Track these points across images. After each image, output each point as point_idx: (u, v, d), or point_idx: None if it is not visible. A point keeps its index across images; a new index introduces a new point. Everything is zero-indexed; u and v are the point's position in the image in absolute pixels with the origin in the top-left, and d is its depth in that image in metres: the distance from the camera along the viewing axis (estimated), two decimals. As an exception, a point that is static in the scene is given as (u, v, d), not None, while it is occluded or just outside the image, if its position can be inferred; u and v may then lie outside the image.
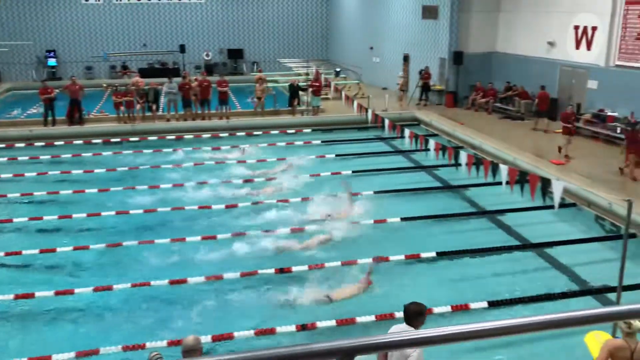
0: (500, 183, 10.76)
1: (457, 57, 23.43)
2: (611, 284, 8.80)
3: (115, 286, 9.46)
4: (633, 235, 10.76)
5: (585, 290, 9.53)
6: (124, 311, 9.02)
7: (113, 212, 12.79)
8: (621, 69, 18.13)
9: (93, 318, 8.90)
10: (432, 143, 13.48)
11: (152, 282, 9.60)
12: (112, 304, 9.19)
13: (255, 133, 20.12)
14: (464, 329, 1.52)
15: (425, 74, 24.04)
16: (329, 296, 9.22)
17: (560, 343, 7.82)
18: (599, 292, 9.34)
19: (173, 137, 19.62)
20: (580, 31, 19.60)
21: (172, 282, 9.64)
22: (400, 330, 5.29)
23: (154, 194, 14.06)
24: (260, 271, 9.98)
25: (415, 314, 5.20)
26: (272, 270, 10.02)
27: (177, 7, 34.06)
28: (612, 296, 8.89)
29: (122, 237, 11.50)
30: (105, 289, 9.42)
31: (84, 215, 12.69)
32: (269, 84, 23.71)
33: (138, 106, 20.86)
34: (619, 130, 17.03)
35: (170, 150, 18.06)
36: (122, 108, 20.64)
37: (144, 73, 28.64)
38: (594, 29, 18.99)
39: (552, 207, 9.85)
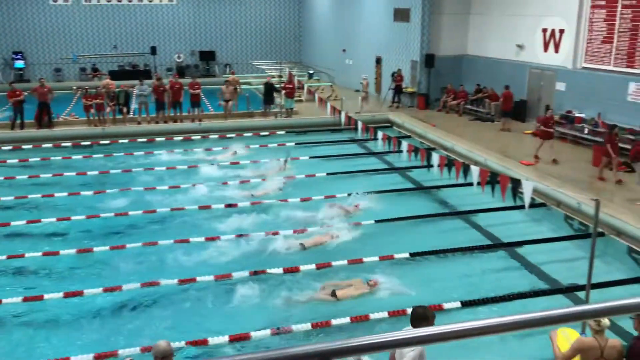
0: (471, 184, 10.88)
1: (429, 60, 23.66)
2: (581, 282, 8.97)
3: (86, 291, 9.32)
4: (601, 234, 11.00)
5: (556, 289, 9.69)
6: (96, 317, 8.88)
7: (83, 216, 12.59)
8: (588, 71, 18.52)
9: (63, 325, 8.74)
10: (404, 145, 13.57)
11: (124, 286, 9.48)
12: (83, 310, 9.04)
13: (228, 135, 20.02)
14: (439, 330, 1.53)
15: (397, 77, 24.22)
16: (336, 294, 9.28)
17: (531, 341, 7.94)
18: (569, 291, 9.52)
19: (144, 139, 19.41)
20: (548, 34, 19.97)
21: (143, 285, 9.52)
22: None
23: (125, 197, 13.89)
24: (234, 274, 9.93)
25: (419, 318, 5.17)
26: (247, 273, 9.97)
27: (148, 8, 33.73)
28: (582, 294, 9.06)
29: (93, 242, 11.33)
30: (75, 294, 9.27)
31: (54, 219, 12.47)
32: (243, 86, 23.62)
33: (108, 109, 20.59)
34: (586, 131, 17.38)
35: (142, 153, 17.85)
36: (92, 111, 20.34)
37: (115, 75, 28.30)
38: (562, 32, 19.37)
39: (522, 207, 10.00)
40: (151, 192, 14.32)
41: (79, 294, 9.29)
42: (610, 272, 10.06)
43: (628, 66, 17.17)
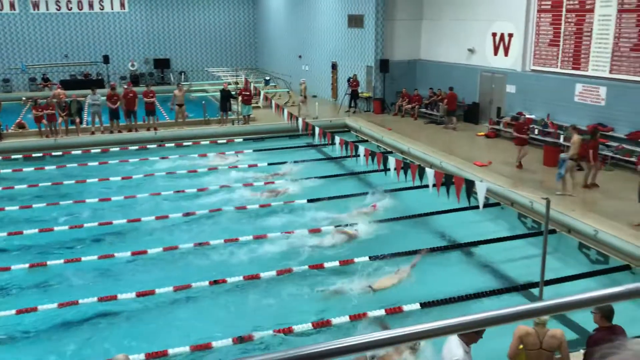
0: (427, 186, 11.07)
1: (383, 65, 23.96)
2: (535, 279, 9.21)
3: (40, 307, 9.08)
4: (553, 231, 11.34)
5: (511, 288, 9.93)
6: (50, 333, 8.66)
7: (36, 230, 12.28)
8: (536, 74, 19.08)
9: (18, 341, 8.49)
10: (361, 149, 13.70)
11: (80, 301, 9.28)
12: (37, 326, 8.80)
13: (184, 144, 19.82)
14: (403, 331, 1.55)
15: (353, 82, 24.44)
16: (371, 286, 9.57)
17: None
18: (523, 289, 9.76)
19: (98, 150, 19.04)
20: (497, 38, 20.50)
21: (100, 299, 9.34)
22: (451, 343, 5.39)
23: (80, 209, 13.61)
24: (194, 284, 9.84)
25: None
26: (207, 283, 9.89)
27: (100, 16, 33.12)
28: (536, 291, 9.31)
29: (46, 256, 11.06)
30: (29, 310, 9.02)
31: (4, 234, 12.11)
32: (198, 94, 23.42)
33: (60, 119, 20.10)
34: (537, 132, 17.88)
35: (96, 163, 17.50)
36: (43, 122, 19.84)
37: (67, 85, 27.70)
38: (510, 35, 19.91)
39: (477, 207, 10.23)
40: (106, 203, 14.06)
41: (33, 310, 9.05)
42: (562, 268, 10.37)
43: (574, 68, 17.77)
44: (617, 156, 15.43)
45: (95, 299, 9.34)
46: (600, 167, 15.26)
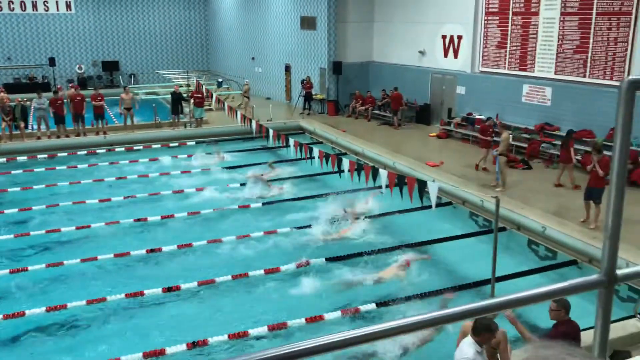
0: (380, 187, 11.15)
1: (336, 67, 24.08)
2: (487, 276, 9.38)
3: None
4: (503, 229, 11.60)
5: (464, 285, 10.09)
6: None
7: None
8: (485, 75, 19.53)
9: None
10: (316, 151, 13.71)
11: (27, 312, 8.96)
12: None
13: (135, 147, 19.41)
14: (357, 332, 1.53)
15: (306, 84, 24.47)
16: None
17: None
18: (476, 286, 9.93)
19: (45, 155, 18.45)
20: (447, 40, 20.89)
21: (49, 309, 9.03)
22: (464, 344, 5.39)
23: (26, 217, 13.15)
24: (146, 291, 9.64)
25: (481, 329, 5.34)
26: (159, 290, 9.71)
27: (45, 18, 32.14)
28: (488, 288, 9.49)
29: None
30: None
31: (-55, 245, 11.60)
32: (147, 97, 22.99)
33: (4, 124, 19.38)
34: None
35: (42, 169, 16.95)
36: (-15, 127, 19.12)
37: (10, 88, 26.76)
38: (460, 38, 20.32)
39: (429, 207, 10.36)
40: (54, 209, 13.63)
41: (21, 314, 8.72)
42: (513, 265, 10.61)
43: (521, 69, 18.27)
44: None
45: (44, 309, 9.04)
46: (547, 165, 15.75)
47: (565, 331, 6.14)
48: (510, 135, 14.06)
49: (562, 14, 16.76)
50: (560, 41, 16.90)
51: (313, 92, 24.76)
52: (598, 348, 1.69)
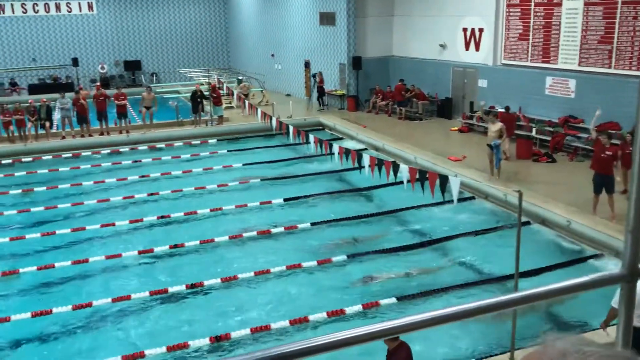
0: (402, 182, 11.10)
1: (356, 62, 24.00)
2: (510, 271, 9.28)
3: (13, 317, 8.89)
4: (527, 223, 11.47)
5: (486, 280, 10.01)
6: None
7: (7, 239, 12.03)
8: (507, 68, 19.29)
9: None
10: (336, 147, 13.69)
11: (54, 309, 9.11)
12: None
13: (157, 146, 19.60)
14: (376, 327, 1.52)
15: (319, 79, 24.52)
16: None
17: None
18: (499, 281, 9.84)
19: (69, 154, 18.73)
20: (468, 33, 20.67)
21: (34, 315, 9.02)
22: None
23: (52, 215, 13.38)
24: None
25: None
26: (182, 286, 9.80)
27: (67, 19, 32.57)
28: (511, 283, 9.39)
29: (18, 264, 10.85)
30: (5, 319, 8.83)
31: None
32: (170, 95, 23.16)
33: (30, 124, 19.72)
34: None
35: (67, 168, 17.20)
36: (11, 127, 19.46)
37: (35, 89, 27.21)
38: (481, 30, 20.10)
39: (451, 201, 10.28)
40: (80, 207, 13.84)
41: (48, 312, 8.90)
42: (537, 260, 10.47)
43: (544, 61, 18.01)
44: (588, 147, 15.65)
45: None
46: (571, 158, 15.52)
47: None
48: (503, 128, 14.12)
49: (585, 4, 16.47)
50: (584, 32, 16.62)
51: (333, 88, 24.73)
52: (621, 342, 1.66)
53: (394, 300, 9.17)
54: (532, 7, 18.19)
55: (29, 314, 8.94)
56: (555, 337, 0.95)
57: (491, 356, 7.59)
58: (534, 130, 17.34)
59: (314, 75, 24.68)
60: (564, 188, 13.42)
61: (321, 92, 24.58)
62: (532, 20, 18.27)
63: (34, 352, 8.31)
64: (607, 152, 11.48)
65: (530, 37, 18.38)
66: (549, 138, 16.95)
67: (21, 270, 10.52)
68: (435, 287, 9.60)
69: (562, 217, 11.39)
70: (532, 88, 18.12)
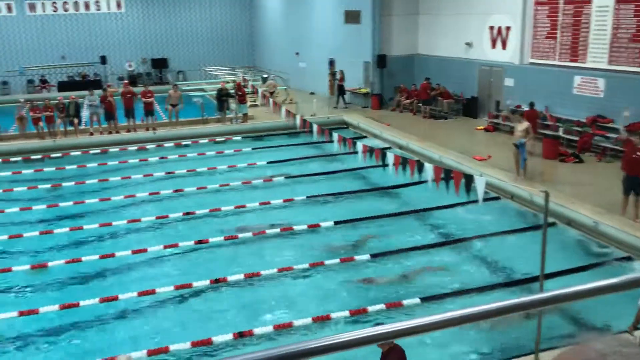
0: (426, 181, 11.06)
1: (381, 61, 23.92)
2: (535, 272, 9.18)
3: (42, 309, 9.08)
4: (553, 224, 11.32)
5: (511, 282, 9.92)
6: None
7: (37, 232, 12.28)
8: (534, 67, 19.04)
9: None
10: (359, 145, 13.68)
11: (81, 303, 9.28)
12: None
13: (183, 143, 19.80)
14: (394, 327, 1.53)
15: (339, 77, 24.51)
16: None
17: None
18: (523, 282, 9.73)
19: (97, 151, 19.02)
20: (495, 32, 20.46)
21: (61, 307, 9.24)
22: None
23: (80, 210, 13.61)
24: (158, 289, 9.79)
25: None
26: (172, 288, 9.90)
27: (96, 17, 33.04)
28: (536, 285, 9.29)
29: (48, 257, 11.08)
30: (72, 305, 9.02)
31: (6, 237, 12.11)
32: (195, 93, 23.35)
33: (59, 121, 20.08)
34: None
35: (95, 164, 17.47)
36: (41, 124, 19.84)
37: (64, 86, 27.66)
38: (508, 29, 19.87)
39: (476, 201, 10.21)
40: (106, 203, 14.06)
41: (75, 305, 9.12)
42: (563, 261, 10.34)
43: (572, 60, 17.73)
44: (617, 147, 15.38)
45: (97, 299, 9.35)
46: (599, 159, 15.25)
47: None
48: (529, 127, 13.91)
49: (616, 1, 16.16)
50: (614, 30, 16.32)
51: (357, 86, 24.70)
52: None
53: (417, 300, 9.14)
54: (561, 4, 17.92)
55: (56, 307, 9.12)
56: (590, 337, 0.93)
57: (517, 357, 7.53)
58: (560, 130, 17.10)
59: (333, 73, 24.66)
60: (591, 189, 13.21)
61: (341, 91, 24.54)
62: (560, 19, 18.00)
63: (62, 344, 8.47)
64: (638, 153, 11.27)
65: (558, 35, 18.11)
66: (576, 138, 16.70)
67: (50, 264, 10.73)
68: (460, 288, 9.54)
69: (588, 218, 11.22)
70: (559, 87, 17.86)
